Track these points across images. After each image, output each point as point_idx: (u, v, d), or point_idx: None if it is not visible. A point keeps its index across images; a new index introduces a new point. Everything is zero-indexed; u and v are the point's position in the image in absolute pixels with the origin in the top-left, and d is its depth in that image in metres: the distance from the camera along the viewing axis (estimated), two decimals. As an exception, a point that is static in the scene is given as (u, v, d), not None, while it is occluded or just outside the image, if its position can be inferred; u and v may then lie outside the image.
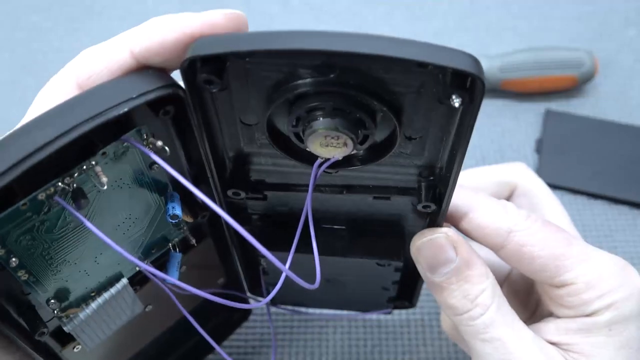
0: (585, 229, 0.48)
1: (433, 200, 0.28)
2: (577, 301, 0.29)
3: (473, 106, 0.23)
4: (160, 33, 0.23)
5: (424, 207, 0.28)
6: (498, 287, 0.29)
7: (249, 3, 0.64)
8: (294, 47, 0.21)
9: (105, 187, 0.23)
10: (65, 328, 0.27)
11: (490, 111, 0.55)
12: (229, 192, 0.29)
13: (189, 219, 0.28)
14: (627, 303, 0.28)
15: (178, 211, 0.27)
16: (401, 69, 0.23)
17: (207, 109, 0.25)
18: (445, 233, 0.29)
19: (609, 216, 0.48)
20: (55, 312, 0.26)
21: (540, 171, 0.50)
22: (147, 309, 0.31)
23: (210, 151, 0.26)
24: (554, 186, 0.50)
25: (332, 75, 0.23)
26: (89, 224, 0.23)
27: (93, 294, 0.28)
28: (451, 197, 0.28)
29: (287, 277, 0.26)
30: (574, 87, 0.55)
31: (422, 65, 0.22)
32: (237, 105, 0.25)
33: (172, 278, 0.27)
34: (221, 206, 0.30)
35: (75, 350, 0.29)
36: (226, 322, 0.39)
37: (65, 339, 0.28)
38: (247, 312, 0.41)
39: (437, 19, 0.62)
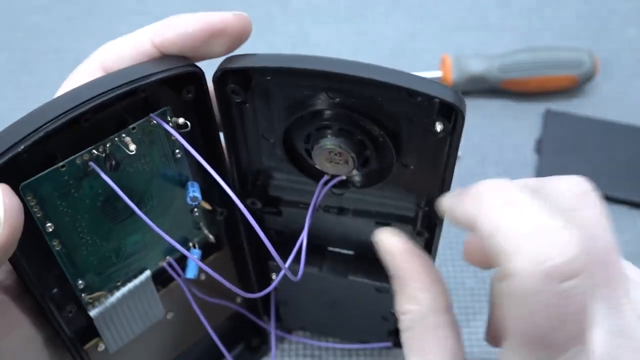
0: (585, 229, 0.48)
1: (427, 228, 0.31)
2: None
3: (454, 135, 0.26)
4: (180, 25, 0.26)
5: (417, 233, 0.31)
6: (430, 318, 0.27)
7: (249, 3, 0.64)
8: (301, 67, 0.25)
9: (134, 152, 0.26)
10: (90, 313, 0.28)
11: (490, 111, 0.55)
12: (248, 201, 0.32)
13: (207, 206, 0.31)
14: None
15: (198, 193, 0.29)
16: (396, 98, 0.25)
17: (234, 122, 0.29)
18: (382, 240, 0.28)
19: (609, 216, 0.48)
20: (82, 295, 0.28)
21: (540, 171, 0.50)
22: (167, 316, 0.33)
23: (234, 162, 0.30)
24: (554, 186, 0.50)
25: (337, 100, 0.26)
26: (115, 186, 0.25)
27: (118, 284, 0.29)
28: (442, 226, 0.30)
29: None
30: (574, 87, 0.55)
31: (411, 94, 0.25)
32: (260, 120, 0.28)
33: (195, 259, 0.29)
34: (240, 214, 0.32)
35: (99, 349, 0.30)
36: (246, 349, 0.40)
37: (90, 334, 0.30)
38: (263, 340, 0.41)
39: (437, 19, 0.62)
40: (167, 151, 0.28)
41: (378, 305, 0.36)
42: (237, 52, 0.27)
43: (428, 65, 0.57)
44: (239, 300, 0.37)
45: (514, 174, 0.51)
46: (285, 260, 0.28)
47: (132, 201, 0.26)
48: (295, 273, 0.29)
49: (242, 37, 0.27)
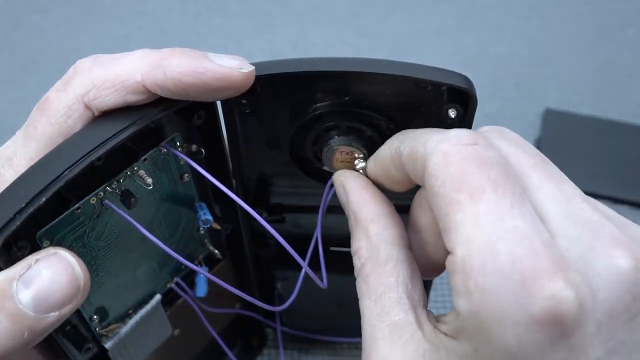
0: (585, 229, 0.48)
1: None
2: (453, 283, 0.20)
3: (466, 119, 0.25)
4: (178, 72, 0.23)
5: None
6: (380, 252, 0.24)
7: (249, 3, 0.64)
8: (309, 69, 0.25)
9: (151, 187, 0.25)
10: (106, 345, 0.28)
11: (489, 111, 0.55)
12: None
13: (218, 227, 0.31)
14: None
15: (209, 216, 0.29)
16: (404, 90, 0.25)
17: (237, 133, 0.28)
18: (338, 175, 0.27)
19: (609, 216, 0.48)
20: (97, 329, 0.27)
21: (540, 171, 0.50)
22: (175, 333, 0.33)
23: (238, 174, 0.29)
24: (554, 186, 0.50)
25: (346, 98, 0.26)
26: (133, 221, 0.25)
27: (130, 312, 0.29)
28: None
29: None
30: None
31: (419, 84, 0.25)
32: (265, 129, 0.28)
33: (204, 275, 0.29)
34: (243, 228, 0.32)
35: None
36: (245, 349, 0.40)
37: None
38: (264, 338, 0.42)
39: (437, 19, 0.62)
40: (175, 175, 0.27)
41: None
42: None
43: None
44: (238, 305, 0.37)
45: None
46: (299, 270, 0.28)
47: (145, 229, 0.25)
48: (321, 296, 0.27)
49: (243, 90, 0.24)
